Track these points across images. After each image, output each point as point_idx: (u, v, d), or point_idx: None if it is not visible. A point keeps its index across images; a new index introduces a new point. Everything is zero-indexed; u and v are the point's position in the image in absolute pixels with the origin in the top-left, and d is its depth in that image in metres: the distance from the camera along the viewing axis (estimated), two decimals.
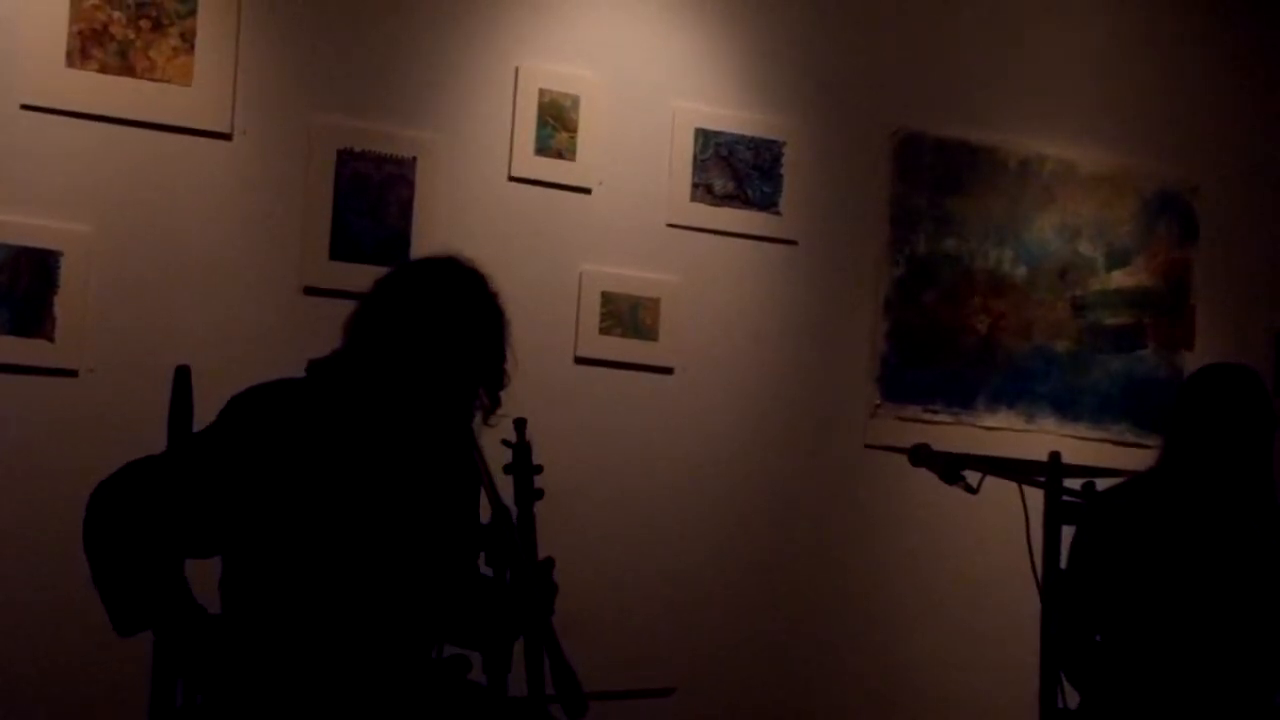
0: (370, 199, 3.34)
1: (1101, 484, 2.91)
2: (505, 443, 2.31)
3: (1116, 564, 2.72)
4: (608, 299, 3.55)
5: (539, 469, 2.29)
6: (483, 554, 2.27)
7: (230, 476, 2.11)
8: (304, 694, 2.06)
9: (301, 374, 2.25)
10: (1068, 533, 2.85)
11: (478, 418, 2.24)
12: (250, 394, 2.20)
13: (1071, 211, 4.08)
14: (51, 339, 3.06)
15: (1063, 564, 2.83)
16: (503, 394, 2.26)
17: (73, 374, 3.08)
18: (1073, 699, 2.80)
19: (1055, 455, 3.08)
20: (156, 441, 2.33)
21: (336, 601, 2.10)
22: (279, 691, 2.07)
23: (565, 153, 3.53)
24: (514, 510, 2.21)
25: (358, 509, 2.14)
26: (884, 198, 3.87)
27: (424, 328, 2.16)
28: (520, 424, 2.31)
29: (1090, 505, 2.84)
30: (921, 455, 2.65)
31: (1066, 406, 4.03)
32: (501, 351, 2.23)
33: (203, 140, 3.21)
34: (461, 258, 2.26)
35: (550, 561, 2.17)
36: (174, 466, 2.14)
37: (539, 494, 2.27)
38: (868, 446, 3.80)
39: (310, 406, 2.17)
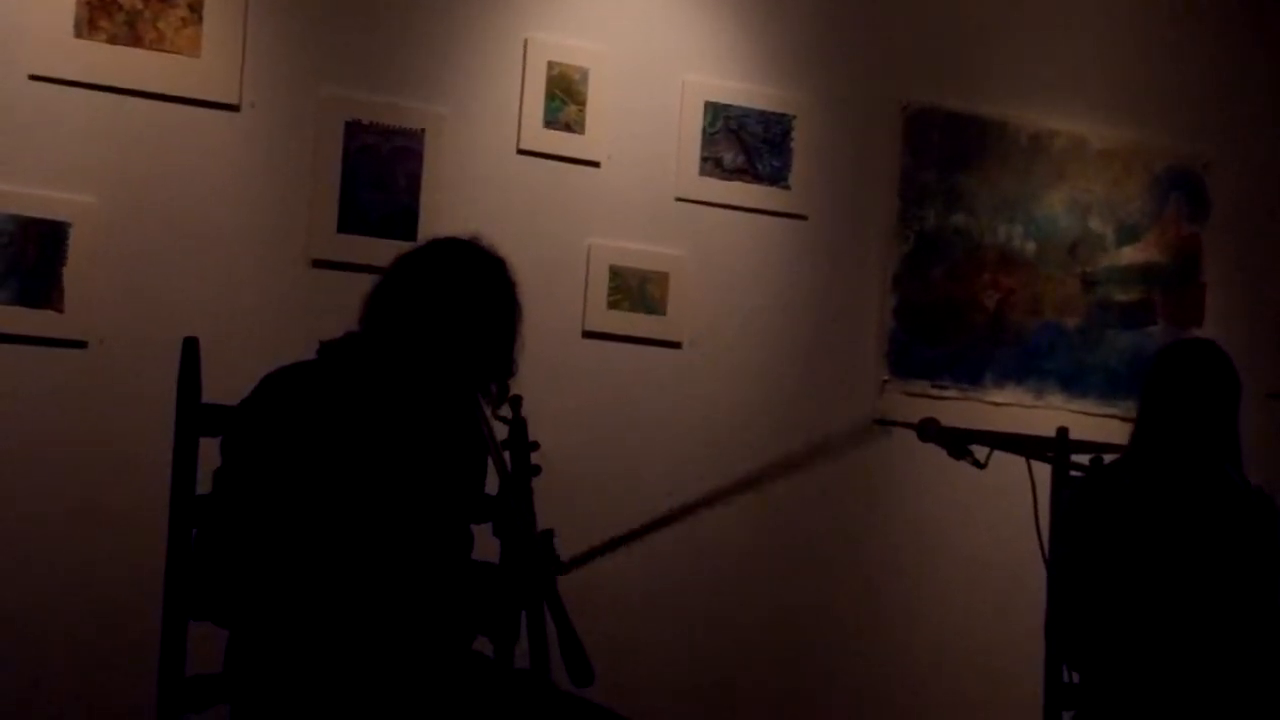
0: (378, 171, 3.34)
1: (1109, 460, 2.92)
2: (501, 419, 2.32)
3: (1103, 545, 2.74)
4: (616, 273, 3.55)
5: (535, 445, 2.29)
6: (492, 526, 2.28)
7: (277, 476, 2.08)
8: (326, 669, 2.07)
9: (308, 351, 2.24)
10: None
11: (485, 403, 2.23)
12: (265, 388, 2.16)
13: (1082, 187, 4.06)
14: (60, 310, 3.06)
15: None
16: (512, 381, 2.26)
17: (82, 345, 3.08)
18: (1077, 675, 2.81)
19: (1063, 431, 3.10)
20: (166, 412, 2.34)
21: (357, 587, 2.10)
22: (301, 665, 2.07)
23: (574, 126, 3.52)
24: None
25: (378, 489, 2.14)
26: (893, 172, 3.86)
27: (443, 313, 2.15)
28: (516, 401, 2.31)
29: (1075, 490, 2.85)
30: (929, 430, 2.64)
31: (1075, 382, 4.02)
32: (513, 340, 2.22)
33: (211, 112, 3.20)
34: (481, 241, 2.25)
35: (550, 533, 2.18)
36: (249, 505, 2.08)
37: (536, 470, 2.28)
38: (876, 421, 3.80)
39: (327, 388, 2.16)
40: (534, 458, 2.30)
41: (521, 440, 2.28)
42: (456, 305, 2.16)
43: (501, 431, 2.28)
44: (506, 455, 2.23)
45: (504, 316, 2.20)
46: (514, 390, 2.30)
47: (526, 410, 2.32)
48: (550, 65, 3.50)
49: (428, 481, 2.21)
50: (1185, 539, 2.71)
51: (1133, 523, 2.73)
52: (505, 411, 2.29)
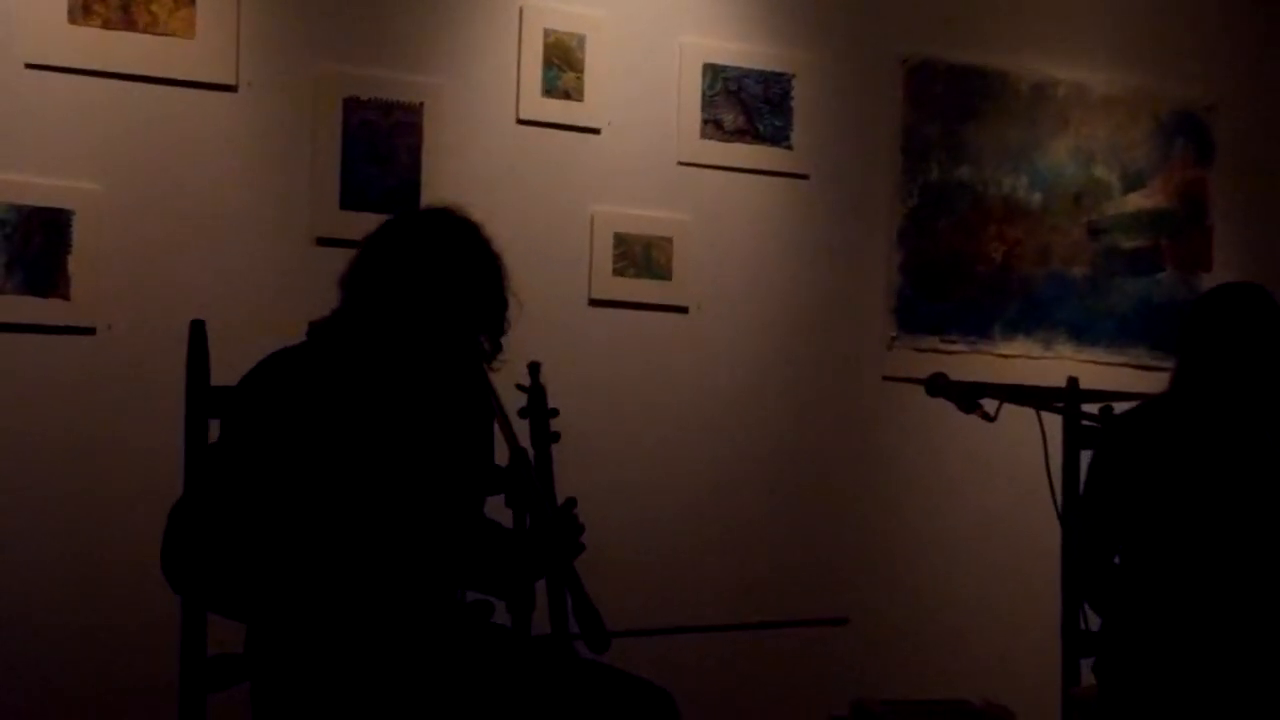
0: (378, 147, 3.33)
1: (1119, 408, 2.91)
2: (520, 387, 2.33)
3: (1134, 487, 2.70)
4: (620, 240, 3.54)
5: (554, 412, 2.31)
6: (504, 497, 2.29)
7: (273, 457, 2.09)
8: (339, 642, 2.08)
9: (302, 335, 2.24)
10: (1086, 458, 2.86)
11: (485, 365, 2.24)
12: (256, 374, 2.17)
13: (1086, 135, 4.04)
14: (68, 298, 3.07)
15: (1081, 490, 2.85)
16: (505, 339, 2.24)
17: (90, 332, 3.09)
18: (1095, 622, 2.81)
19: (1073, 381, 3.09)
20: (176, 395, 2.35)
21: (364, 554, 2.11)
22: (316, 641, 2.09)
23: (573, 93, 3.51)
24: (531, 453, 2.23)
25: (378, 463, 2.15)
26: (896, 127, 3.84)
27: (420, 280, 2.15)
28: (534, 368, 2.32)
29: (1106, 430, 2.83)
30: (938, 385, 2.64)
31: (1084, 332, 4.01)
32: (501, 298, 2.22)
33: (208, 93, 3.20)
34: (453, 207, 2.25)
35: (572, 502, 2.19)
36: (224, 485, 2.08)
37: (555, 437, 2.29)
38: (885, 378, 3.80)
39: (317, 370, 2.16)
40: (551, 424, 2.31)
41: (541, 407, 2.29)
42: (430, 270, 2.15)
43: (521, 400, 2.29)
44: (526, 424, 2.25)
45: (481, 273, 2.19)
46: (524, 356, 2.30)
47: None
48: (546, 33, 3.48)
49: (428, 452, 2.21)
50: (1226, 484, 2.66)
51: (1174, 466, 2.67)
52: (522, 378, 2.30)
